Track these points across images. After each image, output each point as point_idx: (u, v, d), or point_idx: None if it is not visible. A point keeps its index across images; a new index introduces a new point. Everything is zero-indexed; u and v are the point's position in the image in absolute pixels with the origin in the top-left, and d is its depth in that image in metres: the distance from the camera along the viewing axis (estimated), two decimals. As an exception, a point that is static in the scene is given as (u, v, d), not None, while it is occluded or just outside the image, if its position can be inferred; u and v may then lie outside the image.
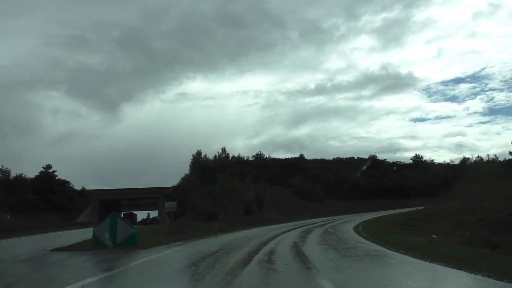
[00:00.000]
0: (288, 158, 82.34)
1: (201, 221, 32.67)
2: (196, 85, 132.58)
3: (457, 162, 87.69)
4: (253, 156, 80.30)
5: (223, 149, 75.10)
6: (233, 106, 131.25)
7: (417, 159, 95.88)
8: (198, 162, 66.59)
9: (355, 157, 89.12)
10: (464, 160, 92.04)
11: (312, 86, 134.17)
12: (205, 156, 68.46)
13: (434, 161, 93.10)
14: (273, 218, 44.91)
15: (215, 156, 70.50)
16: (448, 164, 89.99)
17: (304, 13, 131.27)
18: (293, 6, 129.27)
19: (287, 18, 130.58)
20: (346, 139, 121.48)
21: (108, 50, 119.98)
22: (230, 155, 75.31)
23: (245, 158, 78.17)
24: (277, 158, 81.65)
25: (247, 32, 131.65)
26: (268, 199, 53.31)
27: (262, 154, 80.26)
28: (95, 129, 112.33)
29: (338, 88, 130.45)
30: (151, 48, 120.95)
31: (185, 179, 59.16)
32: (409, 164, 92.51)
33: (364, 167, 70.74)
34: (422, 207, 32.66)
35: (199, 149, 68.06)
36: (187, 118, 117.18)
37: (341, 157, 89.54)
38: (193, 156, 67.76)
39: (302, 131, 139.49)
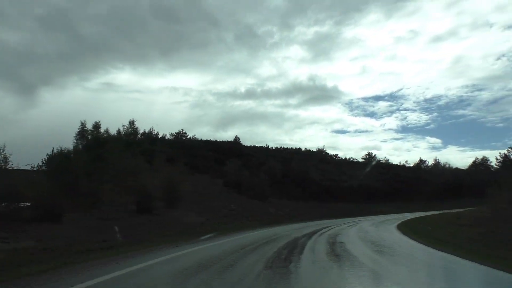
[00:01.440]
0: (220, 141, 62.80)
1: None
2: (124, 77, 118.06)
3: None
4: (173, 134, 59.32)
5: (131, 122, 52.59)
6: (161, 102, 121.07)
7: (369, 157, 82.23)
8: (96, 137, 43.22)
9: (302, 148, 72.60)
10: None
11: (242, 89, 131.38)
12: (106, 131, 45.28)
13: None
14: (188, 222, 24.93)
15: (118, 131, 47.74)
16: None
17: (241, 17, 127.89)
18: (231, 8, 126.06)
19: (223, 19, 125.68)
20: (272, 145, 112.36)
21: (29, 28, 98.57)
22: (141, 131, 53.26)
23: (161, 136, 56.80)
24: (206, 139, 61.55)
25: (182, 28, 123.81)
26: (188, 192, 33.31)
27: (185, 133, 59.65)
28: (7, 113, 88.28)
29: (268, 94, 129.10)
30: (78, 31, 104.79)
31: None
32: (362, 163, 78.18)
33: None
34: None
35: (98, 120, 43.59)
36: (111, 110, 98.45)
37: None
38: (82, 123, 43.66)
39: (230, 133, 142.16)
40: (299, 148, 68.47)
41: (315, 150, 72.21)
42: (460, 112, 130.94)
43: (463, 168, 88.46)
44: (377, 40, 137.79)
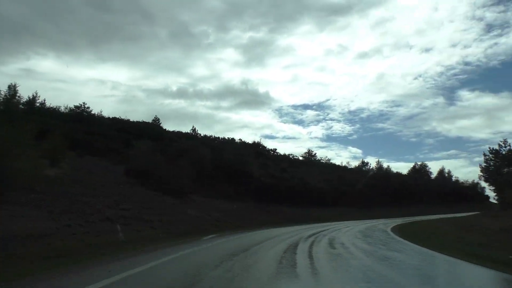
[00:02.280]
0: (134, 121, 48.70)
1: None
2: (47, 64, 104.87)
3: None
4: (72, 108, 44.06)
5: (12, 86, 36.85)
6: (87, 95, 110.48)
7: (310, 156, 73.40)
8: None
9: (236, 139, 61.08)
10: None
11: (174, 88, 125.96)
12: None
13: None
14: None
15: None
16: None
17: (176, 13, 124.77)
18: (166, 3, 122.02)
19: (158, 14, 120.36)
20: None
21: None
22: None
23: (53, 107, 41.52)
24: (115, 117, 47.06)
25: (114, 19, 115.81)
26: (55, 179, 20.20)
27: (88, 107, 44.67)
28: None
29: (200, 95, 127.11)
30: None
31: None
32: (303, 161, 68.92)
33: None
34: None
35: None
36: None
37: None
38: None
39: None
40: (233, 139, 56.89)
41: (251, 142, 61.24)
42: (380, 125, 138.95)
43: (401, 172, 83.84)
44: (308, 51, 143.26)
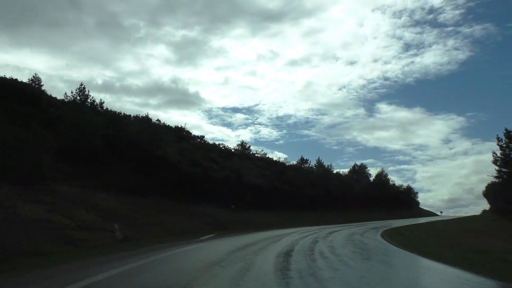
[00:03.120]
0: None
1: None
2: None
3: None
4: None
5: None
6: None
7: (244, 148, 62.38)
8: None
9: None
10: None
11: (99, 81, 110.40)
12: None
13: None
14: None
15: None
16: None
17: (106, 2, 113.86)
18: None
19: (85, 1, 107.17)
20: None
21: None
22: None
23: None
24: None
25: (34, 0, 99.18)
26: None
27: None
28: None
29: (127, 90, 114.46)
30: None
31: None
32: (237, 153, 57.65)
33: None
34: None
35: None
36: None
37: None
38: None
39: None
40: (148, 117, 42.60)
41: (172, 126, 48.44)
42: (305, 132, 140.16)
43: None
44: (241, 54, 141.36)
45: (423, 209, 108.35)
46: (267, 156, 62.58)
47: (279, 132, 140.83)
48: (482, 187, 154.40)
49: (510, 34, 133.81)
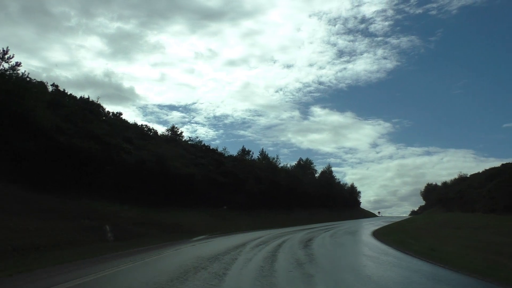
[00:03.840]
0: None
1: None
2: None
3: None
4: None
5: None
6: None
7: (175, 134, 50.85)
8: None
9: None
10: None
11: (23, 71, 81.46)
12: None
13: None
14: None
15: None
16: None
17: None
18: None
19: None
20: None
21: None
22: None
23: None
24: None
25: None
26: None
27: None
28: None
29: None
30: None
31: None
32: (164, 137, 46.06)
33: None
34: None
35: None
36: None
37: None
38: None
39: None
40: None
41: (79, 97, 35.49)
42: (242, 132, 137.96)
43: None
44: (178, 51, 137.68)
45: (363, 209, 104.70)
46: (203, 144, 51.54)
47: (216, 132, 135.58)
48: (405, 189, 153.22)
49: (432, 47, 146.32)
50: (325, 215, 59.71)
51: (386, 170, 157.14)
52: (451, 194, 67.43)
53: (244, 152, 58.78)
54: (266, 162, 58.33)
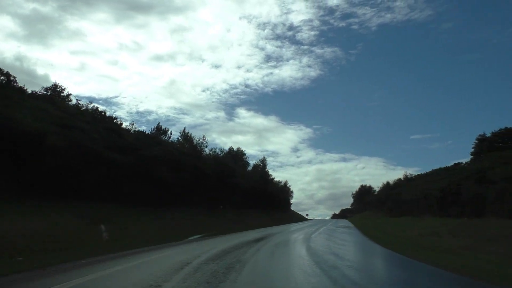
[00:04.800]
0: None
1: None
2: None
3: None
4: None
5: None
6: None
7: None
8: None
9: None
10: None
11: None
12: None
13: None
14: None
15: None
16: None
17: None
18: None
19: None
20: None
21: None
22: None
23: None
24: None
25: None
26: None
27: None
28: None
29: None
30: None
31: None
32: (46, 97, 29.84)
33: None
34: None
35: None
36: None
37: None
38: None
39: None
40: None
41: None
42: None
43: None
44: (101, 41, 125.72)
45: (294, 211, 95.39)
46: (98, 110, 35.88)
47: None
48: (321, 193, 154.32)
49: (353, 59, 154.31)
50: (259, 217, 47.58)
51: (305, 174, 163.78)
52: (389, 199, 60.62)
53: (160, 130, 44.22)
54: (189, 146, 44.42)
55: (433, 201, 35.98)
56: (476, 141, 48.07)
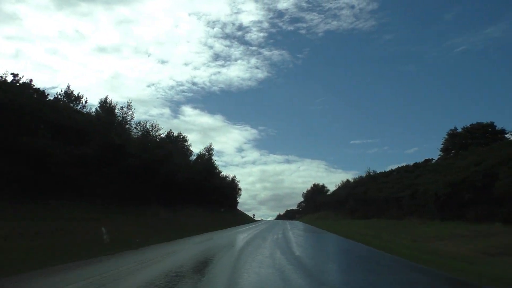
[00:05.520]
0: None
1: None
2: None
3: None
4: None
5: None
6: None
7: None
8: None
9: None
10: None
11: None
12: None
13: None
14: None
15: None
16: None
17: None
18: None
19: None
20: None
21: None
22: None
23: None
24: None
25: None
26: None
27: None
28: None
29: None
30: None
31: None
32: None
33: None
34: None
35: None
36: None
37: None
38: None
39: None
40: None
41: None
42: None
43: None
44: (40, 27, 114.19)
45: (241, 210, 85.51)
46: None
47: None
48: (264, 194, 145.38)
49: (300, 63, 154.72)
50: (202, 217, 37.05)
51: (249, 175, 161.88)
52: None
53: (70, 96, 31.89)
54: (110, 119, 32.50)
55: (430, 201, 27.74)
56: (447, 136, 43.65)
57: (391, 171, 52.29)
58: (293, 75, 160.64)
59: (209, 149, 53.78)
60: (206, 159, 53.31)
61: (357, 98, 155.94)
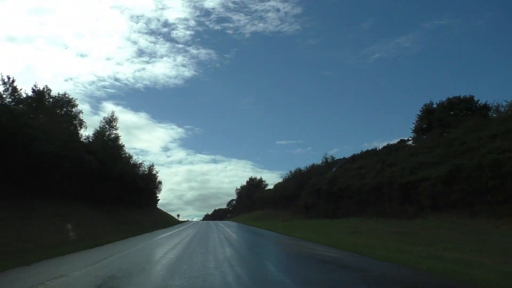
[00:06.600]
0: None
1: None
2: None
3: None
4: None
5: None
6: None
7: None
8: None
9: None
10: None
11: None
12: None
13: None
14: None
15: None
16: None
17: None
18: None
19: None
20: None
21: None
22: None
23: None
24: None
25: None
26: None
27: None
28: None
29: None
30: None
31: None
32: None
33: None
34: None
35: None
36: None
37: None
38: None
39: None
40: None
41: None
42: None
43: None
44: None
45: (161, 210, 69.21)
46: None
47: None
48: (191, 194, 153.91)
49: (227, 63, 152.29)
50: (96, 219, 21.49)
51: (175, 175, 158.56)
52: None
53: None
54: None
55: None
56: (420, 112, 36.44)
57: (367, 151, 40.15)
58: (220, 74, 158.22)
59: (110, 121, 36.88)
60: (107, 137, 36.63)
61: (282, 100, 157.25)
